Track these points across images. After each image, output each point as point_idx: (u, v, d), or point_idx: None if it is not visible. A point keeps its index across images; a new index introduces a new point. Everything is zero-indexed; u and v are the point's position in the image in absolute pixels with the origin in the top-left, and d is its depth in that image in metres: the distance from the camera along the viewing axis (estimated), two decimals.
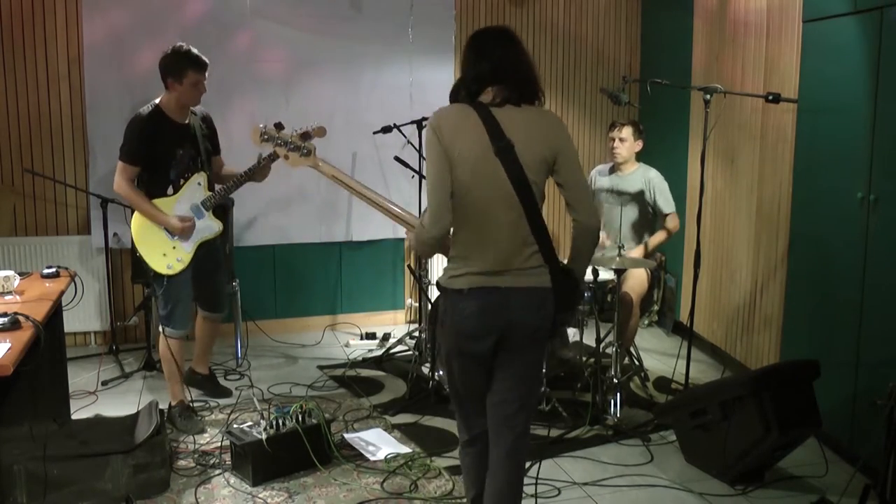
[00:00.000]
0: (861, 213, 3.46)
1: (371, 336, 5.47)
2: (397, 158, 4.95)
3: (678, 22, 5.60)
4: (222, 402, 4.33)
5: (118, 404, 4.27)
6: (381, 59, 5.54)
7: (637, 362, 4.69)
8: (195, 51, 3.81)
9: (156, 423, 3.37)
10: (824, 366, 3.48)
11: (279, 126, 3.21)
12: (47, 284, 3.60)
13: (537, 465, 3.47)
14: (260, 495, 3.36)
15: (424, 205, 3.74)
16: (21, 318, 2.93)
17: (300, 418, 3.57)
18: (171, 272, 3.86)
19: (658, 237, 4.63)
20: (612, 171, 4.79)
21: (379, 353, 5.15)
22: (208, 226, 3.95)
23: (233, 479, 3.48)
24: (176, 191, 3.88)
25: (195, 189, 3.91)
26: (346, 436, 3.90)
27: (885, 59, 3.32)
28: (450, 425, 3.98)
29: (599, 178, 4.83)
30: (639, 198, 4.66)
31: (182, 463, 3.62)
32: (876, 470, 3.04)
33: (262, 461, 3.42)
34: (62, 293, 3.57)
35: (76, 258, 5.08)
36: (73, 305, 3.76)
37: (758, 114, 4.65)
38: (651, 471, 3.64)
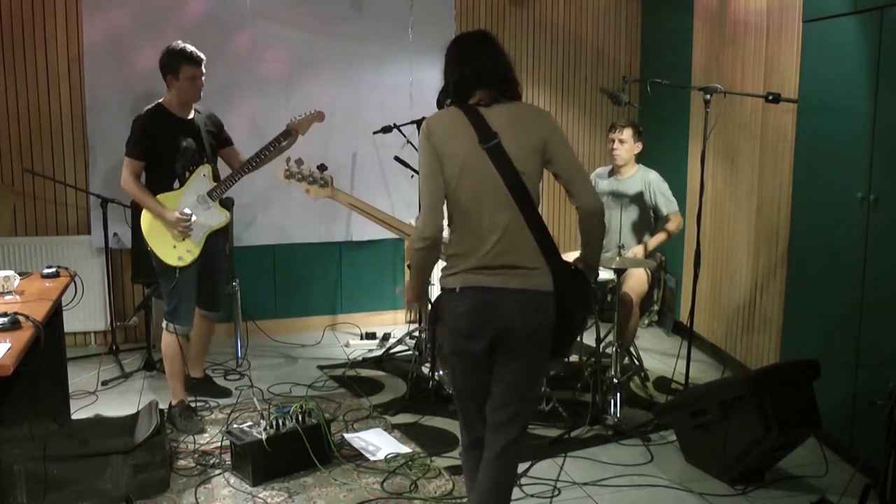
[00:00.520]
0: (861, 213, 3.46)
1: (371, 336, 5.47)
2: (397, 158, 4.96)
3: (678, 22, 5.60)
4: (222, 402, 4.33)
5: (118, 404, 4.27)
6: (381, 59, 5.54)
7: (637, 362, 4.69)
8: (190, 47, 3.87)
9: (156, 423, 3.37)
10: (824, 366, 3.48)
11: (299, 161, 3.62)
12: (47, 284, 3.60)
13: (536, 464, 3.47)
14: (260, 495, 3.36)
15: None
16: (21, 318, 2.93)
17: (300, 418, 3.57)
18: (181, 263, 3.90)
19: (658, 237, 4.63)
20: (612, 173, 4.79)
21: (379, 353, 5.15)
22: (215, 216, 4.01)
23: (233, 479, 3.48)
24: (182, 184, 3.93)
25: (201, 180, 3.96)
26: (346, 436, 3.90)
27: (885, 59, 3.32)
28: (450, 425, 3.98)
29: (599, 181, 4.83)
30: (639, 200, 4.66)
31: (182, 463, 3.62)
32: (876, 470, 3.04)
33: (262, 461, 3.42)
34: (62, 293, 3.57)
35: (76, 258, 5.08)
36: (73, 305, 3.75)
37: (758, 114, 4.65)
38: (651, 471, 3.64)
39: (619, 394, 4.14)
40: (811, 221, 3.89)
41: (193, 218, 3.91)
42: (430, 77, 5.56)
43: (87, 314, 5.09)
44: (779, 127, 4.43)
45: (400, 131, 5.02)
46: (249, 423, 3.61)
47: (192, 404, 4.14)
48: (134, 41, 5.06)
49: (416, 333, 5.05)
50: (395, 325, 5.79)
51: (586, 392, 4.25)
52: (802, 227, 3.97)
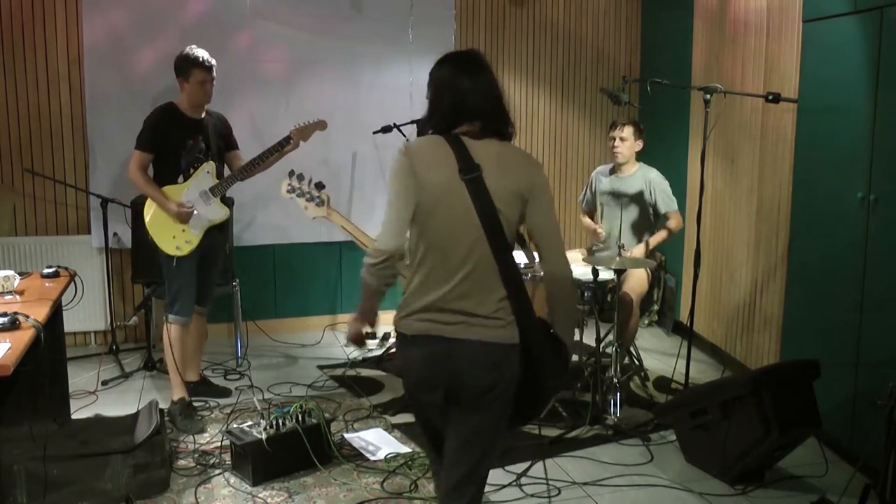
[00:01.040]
0: (861, 213, 3.46)
1: (371, 336, 5.45)
2: None
3: (678, 22, 5.60)
4: (222, 402, 4.33)
5: (118, 404, 4.27)
6: (381, 59, 5.54)
7: (637, 362, 4.69)
8: (202, 53, 4.00)
9: (156, 423, 3.37)
10: (824, 366, 3.48)
11: (300, 177, 3.71)
12: (47, 284, 3.60)
13: (538, 464, 3.47)
14: (260, 495, 3.36)
15: None
16: (21, 318, 2.93)
17: (300, 418, 3.57)
18: (179, 253, 4.01)
19: (659, 236, 4.63)
20: (613, 172, 4.79)
21: (379, 352, 5.15)
22: (216, 211, 4.11)
23: (233, 479, 3.48)
24: (186, 178, 4.04)
25: (204, 176, 4.06)
26: (346, 436, 3.90)
27: (885, 59, 3.32)
28: None
29: (600, 179, 4.83)
30: (639, 199, 4.66)
31: (182, 463, 3.62)
32: (876, 470, 3.04)
33: (262, 461, 3.42)
34: (62, 293, 3.57)
35: (76, 258, 5.07)
36: (73, 305, 3.76)
37: (758, 114, 4.65)
38: (651, 471, 3.64)
39: (619, 394, 4.14)
40: (811, 221, 3.89)
41: (195, 212, 4.02)
42: None
43: (87, 314, 5.09)
44: (779, 127, 4.43)
45: (400, 131, 5.03)
46: (249, 423, 3.61)
47: (193, 403, 4.14)
48: (134, 41, 5.07)
49: None
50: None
51: (586, 392, 4.25)
52: (802, 227, 3.97)
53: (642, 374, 4.67)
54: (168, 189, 4.01)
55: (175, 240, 4.01)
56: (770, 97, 4.07)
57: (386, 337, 5.44)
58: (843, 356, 3.56)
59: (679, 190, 5.09)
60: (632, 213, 4.67)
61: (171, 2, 5.12)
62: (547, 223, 2.33)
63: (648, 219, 4.70)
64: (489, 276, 2.24)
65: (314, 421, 3.60)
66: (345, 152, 5.52)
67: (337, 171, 5.54)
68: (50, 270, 3.73)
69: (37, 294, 3.41)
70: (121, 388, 4.57)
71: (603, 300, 4.33)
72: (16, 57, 4.96)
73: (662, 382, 4.65)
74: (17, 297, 3.36)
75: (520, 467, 3.60)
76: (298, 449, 3.50)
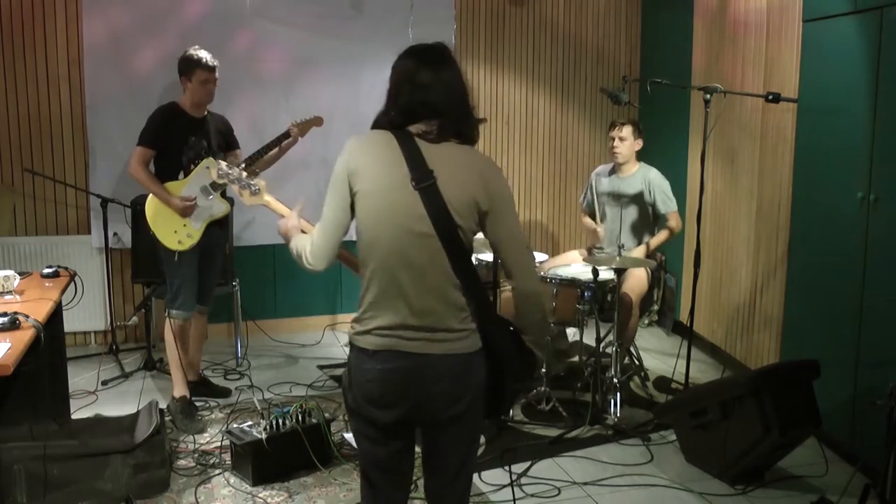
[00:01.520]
0: (861, 213, 3.45)
1: None
2: None
3: (678, 22, 5.60)
4: (222, 401, 4.33)
5: (118, 404, 4.27)
6: (381, 59, 5.49)
7: (637, 362, 4.70)
8: (205, 54, 4.04)
9: (156, 423, 3.37)
10: (824, 366, 3.48)
11: (230, 164, 3.16)
12: (47, 284, 3.60)
13: (536, 464, 3.47)
14: (260, 495, 3.36)
15: None
16: (21, 318, 2.93)
17: (300, 418, 3.57)
18: (181, 247, 4.04)
19: (660, 237, 4.63)
20: (613, 172, 4.79)
21: None
22: (217, 205, 4.15)
23: (233, 479, 3.48)
24: (187, 174, 4.08)
25: (204, 173, 4.09)
26: (346, 435, 3.89)
27: (885, 59, 3.32)
28: None
29: (600, 179, 4.83)
30: (639, 199, 4.66)
31: (182, 463, 3.62)
32: (876, 470, 3.04)
33: (262, 461, 3.42)
34: (62, 293, 3.57)
35: (76, 258, 5.08)
36: (73, 305, 3.76)
37: (758, 114, 4.65)
38: (651, 471, 3.64)
39: (619, 394, 4.14)
40: (811, 221, 3.89)
41: (198, 206, 4.06)
42: None
43: (87, 314, 5.09)
44: (779, 127, 4.43)
45: None
46: (249, 423, 3.61)
47: (193, 401, 4.14)
48: (134, 41, 5.07)
49: None
50: None
51: (586, 392, 4.25)
52: (802, 227, 3.97)
53: (642, 374, 4.67)
54: (168, 185, 4.05)
55: (176, 234, 4.04)
56: (770, 97, 4.07)
57: None
58: (843, 356, 3.56)
59: (679, 190, 5.10)
60: (632, 213, 4.67)
61: (171, 2, 5.12)
62: (512, 236, 2.17)
63: (648, 219, 4.70)
64: (449, 289, 2.11)
65: (314, 421, 3.60)
66: None
67: None
68: (50, 270, 3.73)
69: (37, 294, 3.41)
70: (121, 388, 4.57)
71: (603, 300, 4.33)
72: (16, 57, 4.97)
73: (662, 382, 4.65)
74: (17, 297, 3.36)
75: (520, 467, 3.60)
76: (298, 449, 3.50)
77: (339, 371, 4.87)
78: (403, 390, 2.12)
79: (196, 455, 3.68)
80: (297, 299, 5.70)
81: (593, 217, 4.93)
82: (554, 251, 6.12)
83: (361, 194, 2.10)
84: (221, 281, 4.66)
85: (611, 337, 4.25)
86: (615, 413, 4.10)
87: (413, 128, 2.14)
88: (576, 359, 4.60)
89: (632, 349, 4.64)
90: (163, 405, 3.77)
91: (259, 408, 3.71)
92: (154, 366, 4.78)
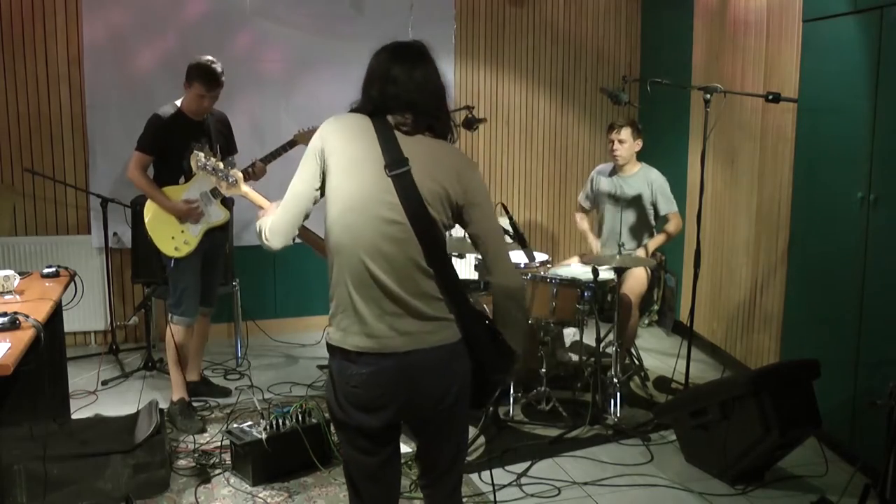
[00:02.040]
0: (861, 213, 3.45)
1: None
2: None
3: (678, 22, 5.60)
4: (222, 401, 4.33)
5: (118, 404, 4.27)
6: None
7: (637, 362, 4.70)
8: (215, 69, 3.90)
9: (156, 423, 3.37)
10: (824, 366, 3.48)
11: (206, 153, 3.02)
12: (47, 284, 3.60)
13: (536, 464, 3.47)
14: (260, 495, 3.36)
15: None
16: (21, 318, 2.92)
17: (300, 418, 3.58)
18: (178, 254, 4.00)
19: (658, 239, 4.62)
20: (613, 172, 4.79)
21: None
22: (216, 212, 4.11)
23: (233, 479, 3.48)
24: (187, 180, 4.03)
25: (205, 178, 3.95)
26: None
27: (885, 59, 3.32)
28: None
29: (601, 179, 4.83)
30: (639, 199, 4.66)
31: (182, 463, 3.62)
32: (876, 470, 3.04)
33: (262, 461, 3.42)
34: (62, 293, 3.57)
35: (76, 258, 5.07)
36: (73, 305, 3.75)
37: (758, 114, 4.65)
38: (651, 470, 3.64)
39: (619, 394, 4.14)
40: (811, 221, 3.89)
41: (200, 208, 4.01)
42: None
43: (87, 314, 5.09)
44: (779, 127, 4.43)
45: None
46: (249, 423, 3.61)
47: (192, 403, 4.14)
48: (134, 41, 5.07)
49: None
50: None
51: (586, 392, 4.25)
52: (802, 227, 3.97)
53: (642, 374, 4.67)
54: (168, 190, 4.00)
55: (174, 240, 4.00)
56: (770, 97, 4.07)
57: None
58: (843, 356, 3.56)
59: (679, 190, 5.10)
60: (631, 213, 4.67)
61: (171, 2, 5.12)
62: (490, 230, 2.15)
63: (648, 220, 4.70)
64: (422, 279, 2.07)
65: (314, 421, 3.60)
66: None
67: None
68: (50, 270, 3.73)
69: (37, 294, 3.41)
70: (121, 388, 4.57)
71: (603, 300, 4.33)
72: (16, 57, 4.96)
73: (662, 382, 4.65)
74: (17, 297, 3.35)
75: (520, 467, 3.60)
76: (298, 449, 3.50)
77: None
78: (392, 391, 2.10)
79: (196, 455, 3.68)
80: (297, 299, 5.69)
81: (588, 214, 4.95)
82: (554, 251, 6.12)
83: (333, 172, 2.08)
84: (222, 281, 4.65)
85: (611, 337, 4.25)
86: (615, 413, 4.10)
87: (390, 118, 2.12)
88: (576, 359, 4.60)
89: (632, 349, 4.64)
90: (163, 405, 3.77)
91: (259, 408, 3.71)
92: (154, 366, 4.78)
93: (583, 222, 5.02)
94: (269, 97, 5.35)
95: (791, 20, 4.30)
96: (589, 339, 4.48)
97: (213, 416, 4.15)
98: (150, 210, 4.03)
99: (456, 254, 4.25)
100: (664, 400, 4.37)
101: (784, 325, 4.20)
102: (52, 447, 3.17)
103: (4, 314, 2.91)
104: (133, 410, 3.79)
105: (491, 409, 3.99)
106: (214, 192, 4.05)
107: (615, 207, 4.71)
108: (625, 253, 4.21)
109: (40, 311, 3.10)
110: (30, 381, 3.29)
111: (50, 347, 3.41)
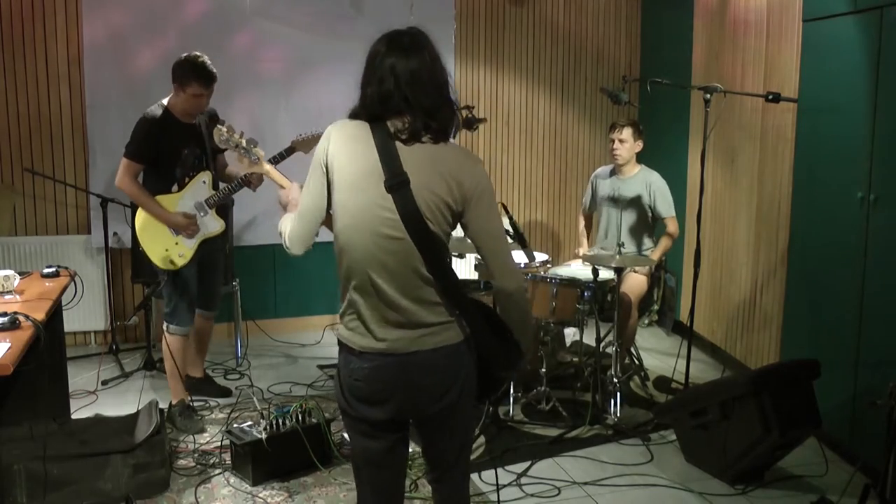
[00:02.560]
0: (861, 213, 3.45)
1: None
2: None
3: (678, 21, 5.60)
4: (222, 401, 4.33)
5: (118, 404, 4.27)
6: None
7: (637, 362, 4.70)
8: (207, 64, 3.79)
9: (156, 423, 3.37)
10: (824, 366, 3.48)
11: (230, 129, 2.89)
12: (47, 284, 3.60)
13: (536, 464, 3.47)
14: (260, 495, 3.36)
15: None
16: (21, 318, 2.92)
17: (300, 418, 3.58)
18: (172, 268, 3.91)
19: (663, 245, 4.61)
20: (613, 173, 4.79)
21: None
22: (212, 224, 4.01)
23: (233, 479, 3.48)
24: (181, 188, 3.93)
25: (200, 187, 3.96)
26: (346, 435, 3.89)
27: (885, 59, 3.32)
28: None
29: (600, 181, 4.83)
30: (638, 201, 4.65)
31: (182, 463, 3.62)
32: (876, 470, 3.04)
33: (262, 461, 3.42)
34: (62, 293, 3.57)
35: (76, 258, 5.08)
36: (73, 305, 3.75)
37: (758, 114, 4.65)
38: (651, 470, 3.64)
39: (618, 393, 4.14)
40: (811, 221, 3.89)
41: (198, 217, 3.93)
42: None
43: (87, 314, 5.09)
44: (779, 127, 4.43)
45: None
46: (249, 423, 3.61)
47: (192, 403, 4.14)
48: (134, 41, 5.07)
49: None
50: None
51: (586, 392, 4.25)
52: (802, 227, 3.97)
53: (642, 374, 4.67)
54: (161, 199, 3.86)
55: (168, 253, 3.88)
56: (770, 97, 4.07)
57: None
58: (843, 356, 3.56)
59: (679, 190, 5.10)
60: (631, 215, 4.67)
61: (171, 2, 5.12)
62: (490, 229, 2.12)
63: (647, 221, 4.70)
64: (423, 288, 2.09)
65: (314, 421, 3.60)
66: None
67: None
68: (50, 270, 3.73)
69: (37, 294, 3.41)
70: (121, 388, 4.57)
71: (603, 300, 4.33)
72: (16, 57, 4.97)
73: (662, 382, 4.65)
74: (17, 296, 3.35)
75: (520, 467, 3.60)
76: (298, 449, 3.50)
77: None
78: (392, 388, 2.14)
79: (196, 455, 3.68)
80: (297, 299, 5.70)
81: (592, 218, 4.95)
82: (554, 251, 6.13)
83: (337, 188, 2.10)
84: (222, 282, 4.65)
85: (611, 337, 4.25)
86: (615, 413, 4.10)
87: (389, 124, 2.08)
88: (576, 359, 4.60)
89: (632, 349, 4.64)
90: (163, 405, 3.77)
91: (259, 408, 3.71)
92: (154, 366, 4.78)
93: (580, 225, 5.03)
94: (268, 97, 5.35)
95: (791, 20, 4.30)
96: (589, 339, 4.48)
97: (213, 416, 4.15)
98: (140, 219, 3.88)
99: (456, 254, 4.25)
100: (664, 400, 4.37)
101: (784, 325, 4.19)
102: (52, 447, 3.17)
103: (4, 314, 2.91)
104: (133, 410, 3.78)
105: (491, 409, 4.00)
106: (209, 202, 3.94)
107: (614, 209, 4.71)
108: (625, 253, 4.21)
109: (40, 311, 3.10)
110: (30, 381, 3.29)
111: (50, 347, 3.41)
